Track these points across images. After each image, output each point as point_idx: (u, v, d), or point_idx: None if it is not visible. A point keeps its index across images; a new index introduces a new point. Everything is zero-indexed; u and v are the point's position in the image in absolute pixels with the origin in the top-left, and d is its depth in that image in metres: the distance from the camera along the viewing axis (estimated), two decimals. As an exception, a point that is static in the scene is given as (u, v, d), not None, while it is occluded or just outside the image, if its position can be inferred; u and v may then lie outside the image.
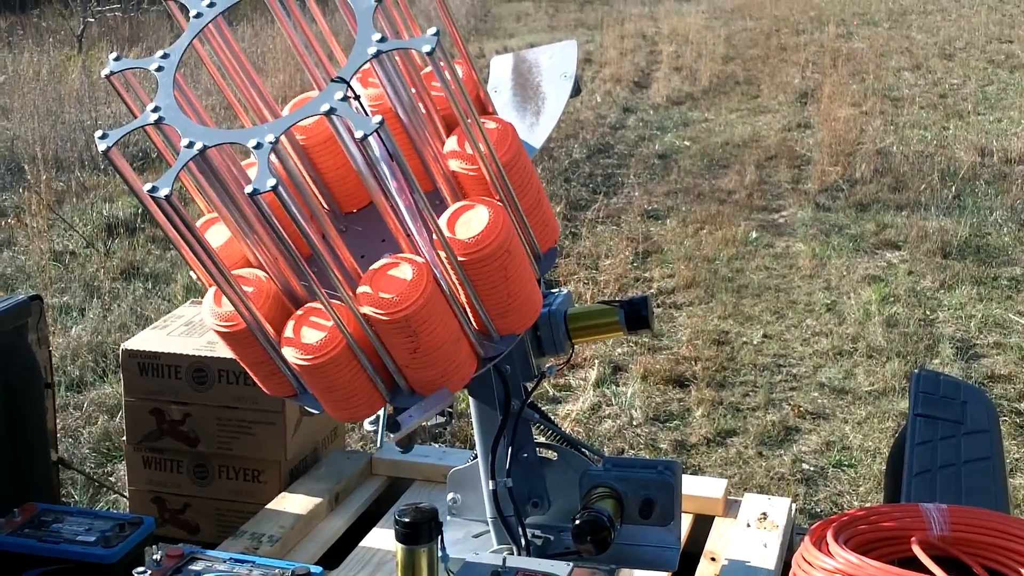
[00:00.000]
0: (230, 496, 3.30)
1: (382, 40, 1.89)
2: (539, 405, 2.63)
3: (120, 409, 4.44)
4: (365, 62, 1.89)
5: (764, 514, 2.98)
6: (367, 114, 1.91)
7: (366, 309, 1.97)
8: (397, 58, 1.97)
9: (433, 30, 1.89)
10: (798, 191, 7.85)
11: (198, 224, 2.17)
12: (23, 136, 9.16)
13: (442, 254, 2.00)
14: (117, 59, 2.07)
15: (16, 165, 8.44)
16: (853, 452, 4.49)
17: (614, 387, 5.03)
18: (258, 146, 1.85)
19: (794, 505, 3.23)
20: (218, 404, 3.24)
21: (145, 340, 3.36)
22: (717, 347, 5.43)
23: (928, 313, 5.79)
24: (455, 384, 2.12)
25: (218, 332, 2.11)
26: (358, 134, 1.80)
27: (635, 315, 2.48)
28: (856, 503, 4.16)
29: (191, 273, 2.24)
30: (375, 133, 1.81)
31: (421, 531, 2.24)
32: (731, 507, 3.09)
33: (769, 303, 5.99)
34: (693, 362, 5.25)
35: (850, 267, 6.42)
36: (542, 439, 2.58)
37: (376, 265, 2.02)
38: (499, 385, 2.44)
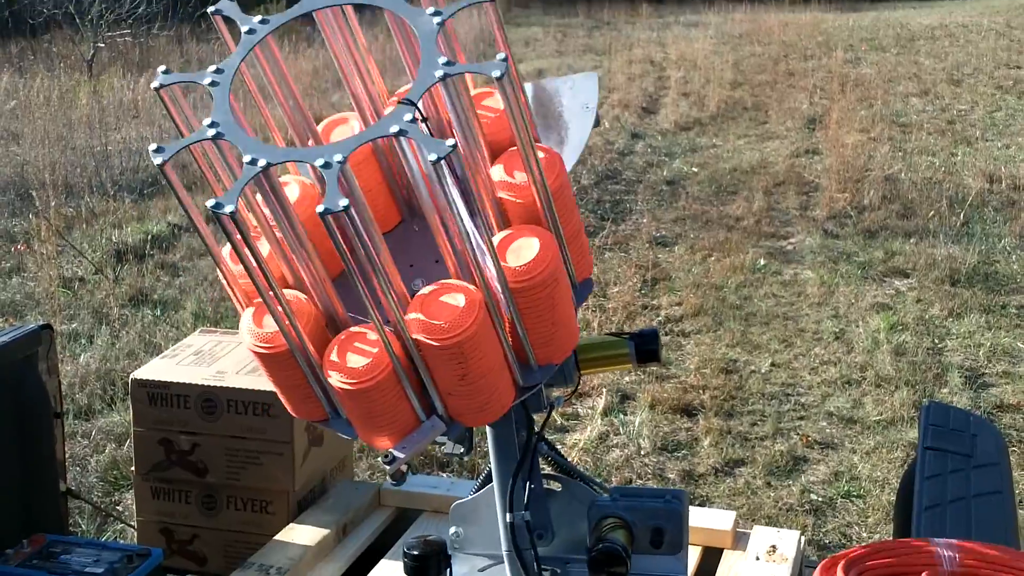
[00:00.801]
0: (238, 527, 3.29)
1: (448, 63, 1.88)
2: (546, 435, 2.62)
3: (128, 438, 4.45)
4: (432, 84, 1.89)
5: (773, 547, 2.97)
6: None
7: (416, 335, 1.95)
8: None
9: (502, 55, 1.90)
10: (806, 218, 7.86)
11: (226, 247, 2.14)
12: (33, 162, 9.20)
13: (494, 281, 2.00)
14: (166, 72, 2.05)
15: (25, 191, 8.47)
16: (862, 482, 4.48)
17: (622, 416, 5.02)
18: (326, 165, 1.83)
19: (803, 537, 3.22)
20: (227, 434, 3.24)
21: (154, 370, 3.36)
22: (725, 376, 5.43)
23: (937, 342, 5.78)
24: (494, 412, 2.10)
25: (257, 353, 2.07)
26: (431, 156, 1.78)
27: (645, 348, 2.48)
28: (865, 534, 4.14)
29: (224, 289, 2.21)
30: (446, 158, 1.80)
31: (430, 564, 2.24)
32: (740, 539, 3.08)
33: (777, 331, 5.98)
34: (701, 391, 5.24)
35: (858, 295, 6.42)
36: (547, 469, 2.57)
37: (426, 291, 2.00)
38: (521, 416, 2.43)
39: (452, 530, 2.64)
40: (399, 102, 1.88)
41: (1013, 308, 6.17)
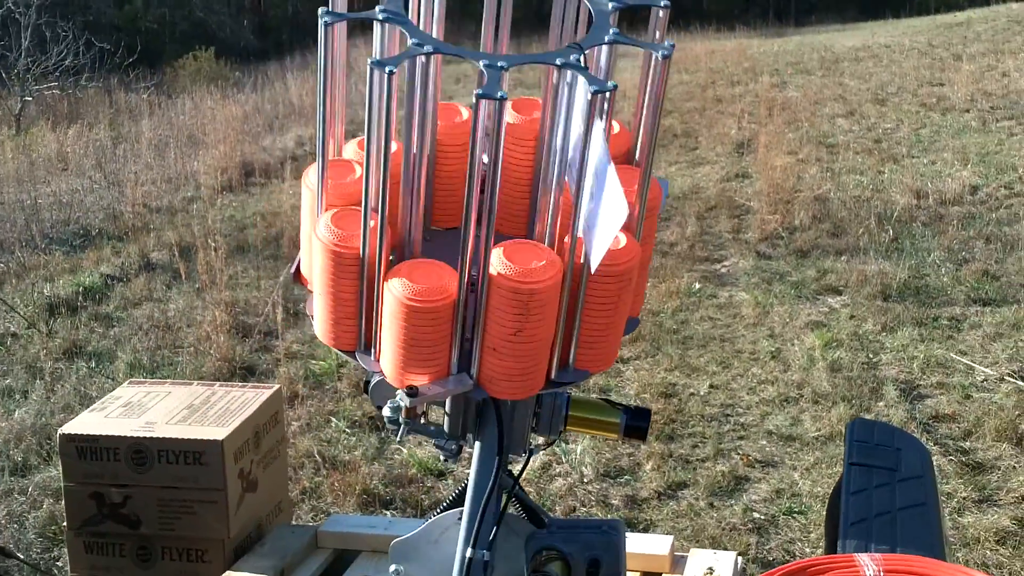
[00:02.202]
0: (174, 577, 3.26)
1: (617, 34, 1.96)
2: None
3: (64, 493, 4.39)
4: (599, 43, 1.97)
5: (711, 569, 2.99)
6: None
7: (495, 271, 1.97)
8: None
9: (670, 41, 1.97)
10: (739, 240, 7.93)
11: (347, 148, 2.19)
12: (-39, 218, 9.10)
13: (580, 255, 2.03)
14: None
15: (-46, 248, 8.38)
16: (803, 499, 4.51)
17: (564, 444, 5.03)
18: (489, 66, 1.87)
19: (741, 558, 3.23)
20: (159, 485, 3.20)
21: (83, 424, 3.32)
22: (665, 400, 5.45)
23: (871, 356, 5.84)
24: (522, 388, 2.10)
25: (332, 250, 2.04)
26: (591, 88, 1.83)
27: (635, 425, 2.49)
28: (808, 549, 4.17)
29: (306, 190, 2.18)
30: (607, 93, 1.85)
31: (366, 604, 2.22)
32: (678, 563, 3.09)
33: (715, 353, 6.02)
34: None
35: (793, 314, 6.48)
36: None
37: (511, 242, 2.02)
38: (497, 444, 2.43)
39: (392, 568, 2.62)
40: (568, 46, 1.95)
41: (944, 320, 6.26)
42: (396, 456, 4.97)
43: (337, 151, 2.21)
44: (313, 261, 2.11)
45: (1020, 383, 5.40)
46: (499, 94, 1.83)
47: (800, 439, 5.00)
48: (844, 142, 10.37)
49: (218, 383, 3.73)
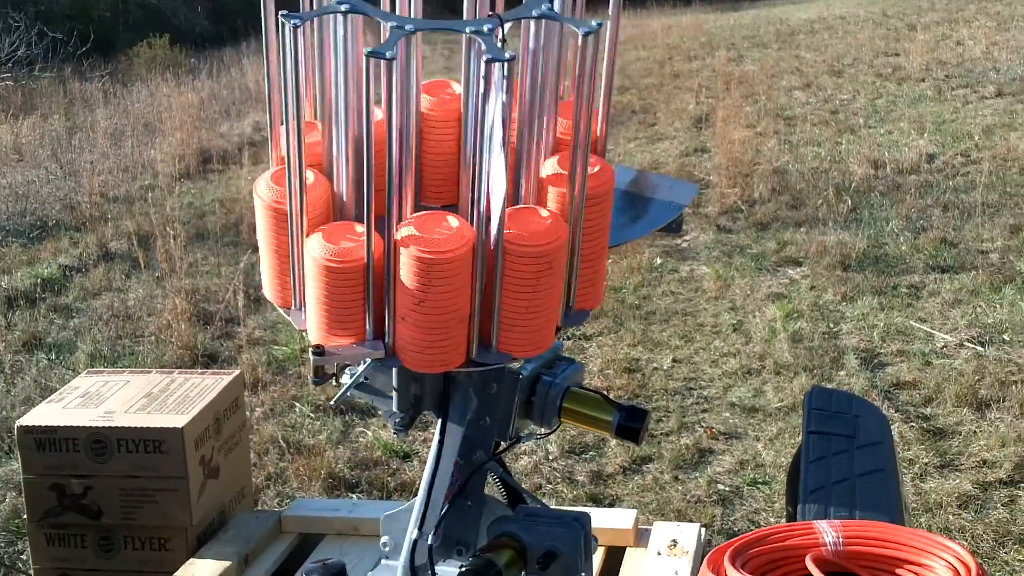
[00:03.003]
0: (137, 567, 3.24)
1: (550, 9, 1.97)
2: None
3: (26, 486, 4.35)
4: (526, 17, 1.98)
5: (674, 541, 3.00)
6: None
7: (409, 248, 1.99)
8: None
9: (597, 22, 1.95)
10: (699, 215, 7.95)
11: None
12: (-85, 213, 8.99)
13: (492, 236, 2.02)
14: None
15: (-92, 243, 8.28)
16: (767, 469, 4.53)
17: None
18: (478, 32, 1.89)
19: (705, 529, 3.25)
20: (119, 474, 3.18)
21: (40, 415, 3.29)
22: (628, 375, 5.46)
23: (832, 326, 5.88)
24: (436, 363, 2.10)
25: (329, 267, 2.06)
26: (581, 30, 1.88)
27: (627, 424, 2.47)
28: (773, 519, 4.19)
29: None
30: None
31: (329, 587, 2.21)
32: (642, 536, 3.10)
33: (677, 328, 6.04)
34: (606, 392, 5.24)
35: (754, 286, 6.51)
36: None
37: (431, 212, 2.05)
38: (441, 426, 2.43)
39: (383, 539, 2.62)
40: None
41: (904, 288, 6.30)
42: (361, 439, 4.96)
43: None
44: (256, 217, 2.16)
45: (979, 349, 5.45)
46: (388, 54, 1.84)
47: (763, 410, 5.02)
48: (801, 114, 10.41)
49: (177, 370, 3.71)
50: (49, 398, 3.46)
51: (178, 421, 3.18)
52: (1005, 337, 5.56)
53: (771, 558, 1.91)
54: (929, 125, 9.61)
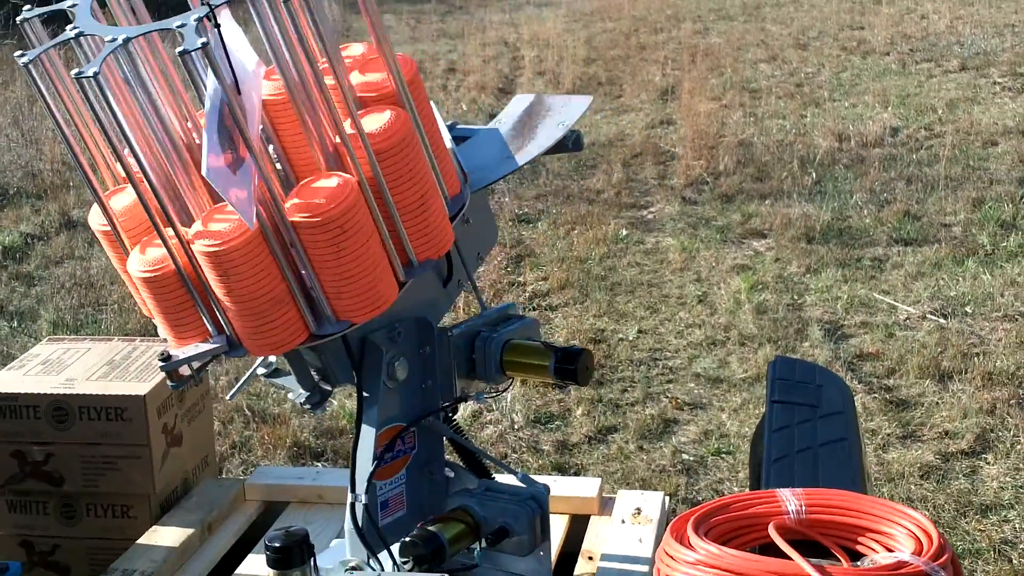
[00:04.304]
0: (100, 533, 3.23)
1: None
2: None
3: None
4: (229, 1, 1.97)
5: (638, 509, 3.01)
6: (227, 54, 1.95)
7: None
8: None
9: None
10: (664, 187, 7.95)
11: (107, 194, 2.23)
12: None
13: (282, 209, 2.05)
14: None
15: None
16: (731, 439, 4.56)
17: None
18: (183, 25, 1.91)
19: (669, 498, 3.26)
20: (81, 442, 3.17)
21: (1, 381, 3.27)
22: (594, 346, 5.47)
23: (796, 298, 5.91)
24: (273, 344, 2.13)
25: (146, 279, 2.12)
26: (179, 48, 1.88)
27: (564, 366, 2.47)
28: (736, 488, 4.22)
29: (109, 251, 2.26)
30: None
31: (293, 555, 2.21)
32: (606, 505, 3.11)
33: (642, 299, 6.05)
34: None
35: (718, 258, 6.53)
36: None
37: (220, 207, 2.07)
38: (360, 393, 2.42)
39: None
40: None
41: (867, 261, 6.34)
42: (327, 408, 4.94)
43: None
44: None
45: (941, 321, 5.49)
46: (90, 72, 1.88)
47: (727, 381, 5.05)
48: (767, 87, 10.41)
49: (139, 338, 3.68)
50: (9, 365, 3.43)
51: (140, 389, 3.16)
52: (967, 309, 5.61)
53: (734, 526, 1.93)
54: (893, 99, 9.64)
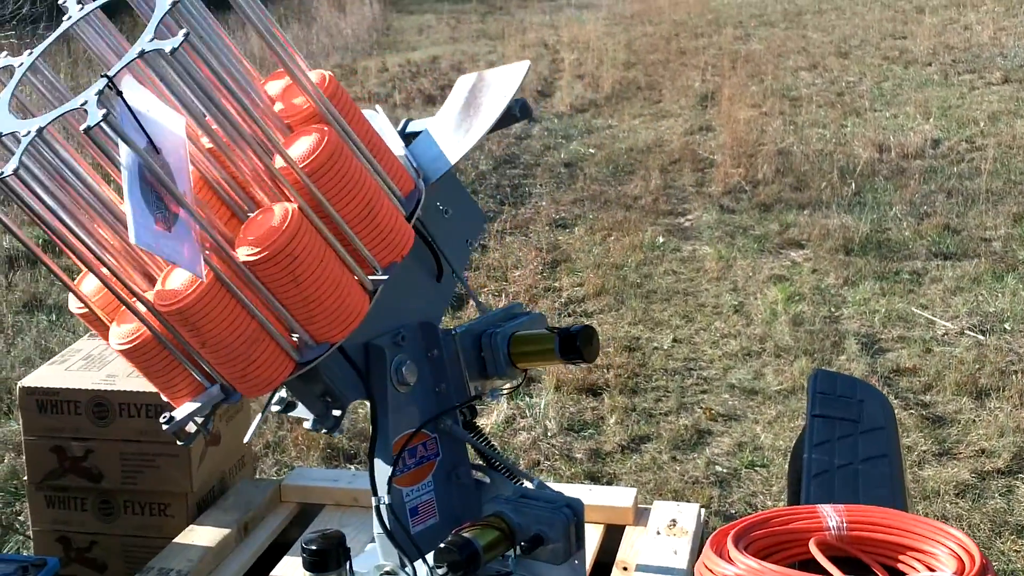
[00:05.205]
0: (136, 531, 3.25)
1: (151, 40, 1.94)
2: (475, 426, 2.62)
3: (26, 447, 4.35)
4: (168, 9, 1.95)
5: (674, 520, 3.00)
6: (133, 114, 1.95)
7: (244, 254, 2.04)
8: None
9: (184, 31, 1.92)
10: (702, 194, 7.93)
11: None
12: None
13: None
14: None
15: (-90, 200, 8.24)
16: (765, 452, 4.54)
17: (528, 398, 5.04)
18: (27, 134, 1.92)
19: (704, 510, 3.25)
20: (120, 438, 3.19)
21: (43, 376, 3.30)
22: (628, 354, 5.47)
23: (833, 310, 5.88)
24: (260, 384, 2.13)
25: (124, 351, 2.14)
26: (167, 47, 1.87)
27: (568, 344, 2.46)
28: (770, 503, 4.20)
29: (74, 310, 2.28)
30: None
31: (329, 558, 2.23)
32: (641, 515, 3.11)
33: (678, 307, 6.04)
34: (605, 370, 5.27)
35: (755, 268, 6.50)
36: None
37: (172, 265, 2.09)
38: (372, 400, 2.42)
39: None
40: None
41: (906, 274, 6.30)
42: (360, 410, 4.96)
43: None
44: None
45: (980, 337, 5.45)
46: (10, 170, 1.87)
47: (762, 393, 5.03)
48: (807, 95, 10.36)
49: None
50: (51, 360, 3.46)
51: (180, 387, 3.17)
52: (1006, 326, 5.56)
53: (774, 541, 1.92)
54: (935, 110, 9.58)
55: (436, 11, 16.45)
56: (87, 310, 2.22)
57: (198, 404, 2.16)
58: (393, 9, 17.35)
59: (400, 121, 2.58)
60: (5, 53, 2.18)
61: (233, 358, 2.07)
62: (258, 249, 2.02)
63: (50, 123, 1.93)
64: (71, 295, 2.25)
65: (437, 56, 13.55)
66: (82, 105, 1.87)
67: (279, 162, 2.09)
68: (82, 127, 1.83)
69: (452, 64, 12.80)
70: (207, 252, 2.01)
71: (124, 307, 2.11)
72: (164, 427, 2.20)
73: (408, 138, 2.50)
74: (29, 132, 1.91)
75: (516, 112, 2.46)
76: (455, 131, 2.41)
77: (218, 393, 2.15)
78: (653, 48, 13.02)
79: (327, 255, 2.10)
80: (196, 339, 2.06)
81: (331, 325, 2.14)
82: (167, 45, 1.88)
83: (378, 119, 2.47)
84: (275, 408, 2.47)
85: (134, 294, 2.06)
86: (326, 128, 2.13)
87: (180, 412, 2.18)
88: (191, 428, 2.26)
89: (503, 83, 2.47)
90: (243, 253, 2.03)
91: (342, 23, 15.22)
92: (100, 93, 1.86)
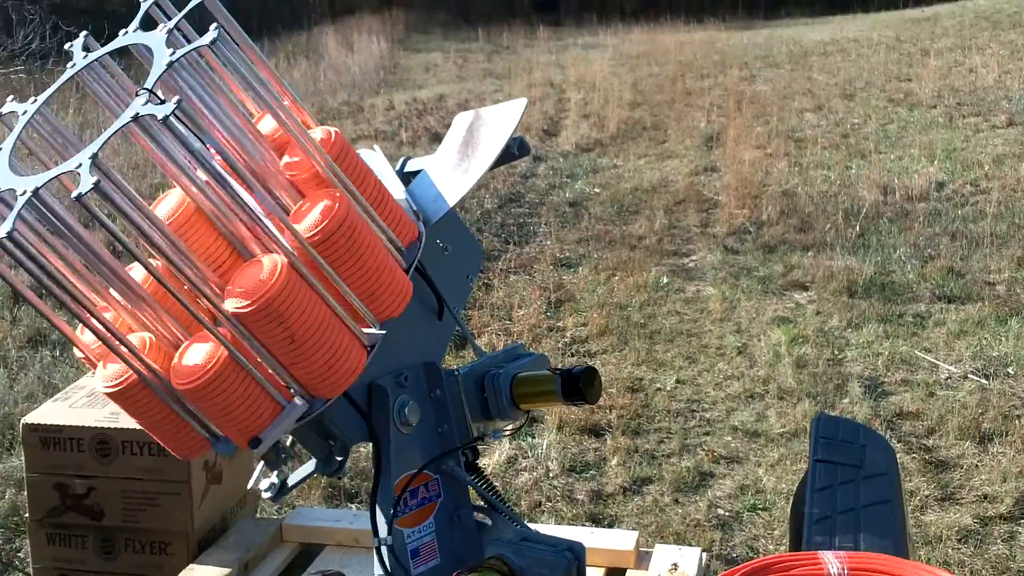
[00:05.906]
0: (137, 570, 3.24)
1: (173, 52, 1.95)
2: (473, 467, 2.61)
3: (26, 483, 4.35)
4: (164, 71, 1.94)
5: (675, 565, 3.00)
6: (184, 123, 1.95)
7: (233, 310, 1.98)
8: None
9: (215, 26, 1.94)
10: (707, 235, 7.95)
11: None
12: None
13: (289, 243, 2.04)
14: None
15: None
16: (767, 495, 4.53)
17: (530, 439, 5.03)
18: (23, 194, 1.88)
19: (705, 554, 3.24)
20: (123, 476, 3.19)
21: (46, 413, 3.30)
22: (631, 394, 5.46)
23: (836, 353, 5.87)
24: (344, 375, 2.09)
25: (111, 394, 2.08)
26: (159, 114, 1.83)
27: (571, 385, 2.46)
28: (772, 546, 4.19)
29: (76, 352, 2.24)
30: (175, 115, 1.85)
31: (329, 599, 2.22)
32: (643, 559, 3.10)
33: (681, 348, 6.04)
34: (608, 410, 5.27)
35: (759, 309, 6.51)
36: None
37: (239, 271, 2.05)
38: (374, 441, 2.42)
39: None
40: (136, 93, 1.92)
41: (910, 317, 6.30)
42: (362, 449, 4.95)
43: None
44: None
45: (983, 381, 5.44)
46: (4, 232, 1.84)
47: (765, 435, 5.02)
48: (812, 136, 10.41)
49: (184, 374, 3.70)
50: (55, 396, 3.46)
51: (183, 425, 3.17)
52: (1010, 370, 5.56)
53: (775, 588, 1.91)
54: (939, 152, 9.61)
55: (443, 50, 16.53)
56: (87, 357, 2.18)
57: (284, 419, 2.09)
58: (400, 47, 17.46)
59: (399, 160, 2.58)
60: (12, 97, 2.17)
61: (319, 347, 2.04)
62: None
63: (45, 184, 1.90)
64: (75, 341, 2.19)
65: (444, 94, 13.62)
66: (76, 167, 1.85)
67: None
68: (73, 194, 1.80)
69: (458, 102, 12.86)
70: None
71: (180, 352, 2.07)
72: (254, 451, 2.13)
73: (407, 177, 2.50)
74: (25, 192, 1.88)
75: (515, 150, 2.46)
76: (454, 170, 2.42)
77: (300, 405, 2.11)
78: (659, 88, 13.08)
79: (318, 313, 2.09)
80: (283, 335, 2.00)
81: (331, 379, 2.09)
82: (160, 112, 1.86)
83: (375, 159, 2.47)
84: (266, 495, 2.43)
85: (135, 354, 2.03)
86: (337, 194, 2.10)
87: (268, 433, 2.09)
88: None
89: (501, 121, 2.47)
90: (232, 305, 2.00)
91: (350, 60, 15.31)
92: (94, 157, 1.85)
